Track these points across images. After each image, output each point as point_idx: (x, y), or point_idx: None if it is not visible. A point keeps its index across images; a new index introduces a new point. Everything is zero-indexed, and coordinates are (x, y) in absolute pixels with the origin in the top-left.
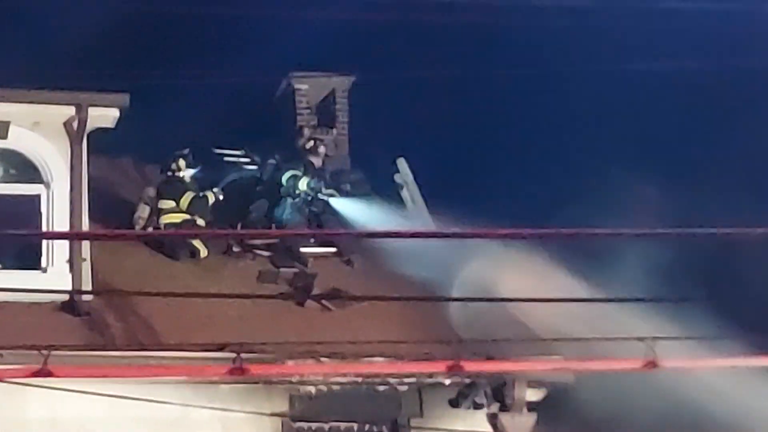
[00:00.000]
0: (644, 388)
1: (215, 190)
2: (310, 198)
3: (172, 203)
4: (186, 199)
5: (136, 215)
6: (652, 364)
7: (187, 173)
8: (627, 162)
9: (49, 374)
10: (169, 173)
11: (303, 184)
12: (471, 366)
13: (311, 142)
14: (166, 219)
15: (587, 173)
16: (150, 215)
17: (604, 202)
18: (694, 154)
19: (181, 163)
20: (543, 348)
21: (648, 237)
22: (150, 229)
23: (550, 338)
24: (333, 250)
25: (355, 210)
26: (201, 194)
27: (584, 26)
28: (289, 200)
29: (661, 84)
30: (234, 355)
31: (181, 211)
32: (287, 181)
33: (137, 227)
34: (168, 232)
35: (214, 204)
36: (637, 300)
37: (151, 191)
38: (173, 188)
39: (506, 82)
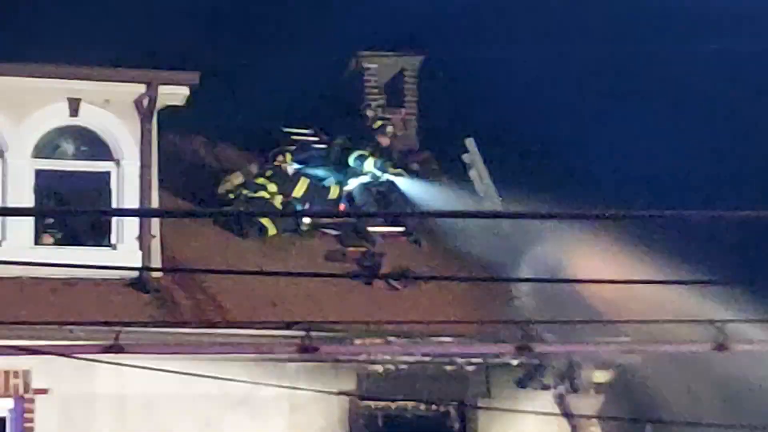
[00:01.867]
0: (712, 371)
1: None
2: (376, 178)
3: (274, 188)
4: (301, 187)
5: (225, 177)
6: (722, 347)
7: (291, 167)
8: (702, 142)
9: (121, 350)
10: (276, 164)
11: (369, 165)
12: (540, 347)
13: (379, 122)
14: (261, 192)
15: (660, 155)
16: (240, 186)
17: (677, 183)
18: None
19: (288, 157)
20: (611, 330)
21: (716, 219)
22: (227, 200)
23: (618, 320)
24: (401, 229)
25: (422, 190)
26: (320, 185)
27: (660, 4)
28: (357, 180)
29: (739, 64)
30: (302, 333)
31: (278, 198)
32: (354, 161)
33: (221, 189)
34: (235, 210)
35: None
36: (707, 282)
37: (253, 168)
38: (281, 178)
39: (578, 61)
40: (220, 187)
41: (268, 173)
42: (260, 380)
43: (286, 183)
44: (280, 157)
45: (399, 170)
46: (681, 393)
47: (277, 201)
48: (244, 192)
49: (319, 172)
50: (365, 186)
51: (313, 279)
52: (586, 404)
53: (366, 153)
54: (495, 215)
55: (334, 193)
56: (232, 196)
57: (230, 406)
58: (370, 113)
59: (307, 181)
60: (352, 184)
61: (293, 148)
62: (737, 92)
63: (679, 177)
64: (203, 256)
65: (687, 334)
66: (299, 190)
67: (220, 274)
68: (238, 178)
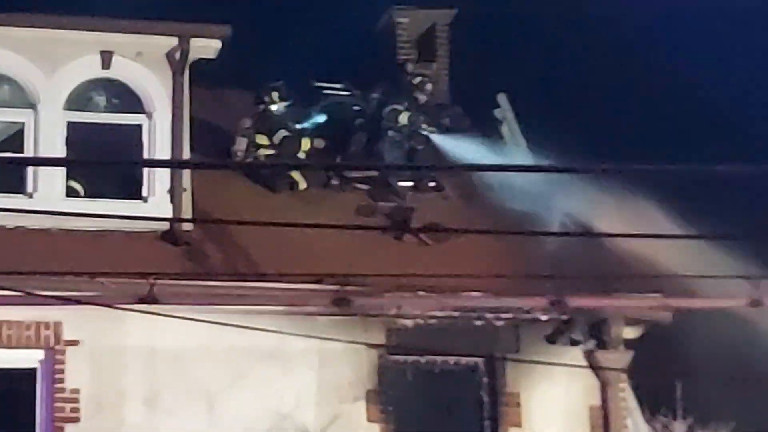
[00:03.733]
0: (744, 328)
1: (309, 133)
2: (410, 133)
3: (265, 139)
4: (278, 137)
5: (234, 148)
6: (756, 303)
7: (279, 106)
8: (734, 99)
9: (155, 301)
10: (262, 106)
11: (404, 118)
12: (573, 301)
13: (418, 78)
14: (263, 152)
15: (693, 111)
16: (248, 148)
17: (709, 139)
18: None
19: (274, 95)
20: (642, 285)
21: (746, 173)
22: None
23: (650, 275)
24: (432, 184)
25: (454, 145)
26: (294, 134)
27: None
28: (389, 134)
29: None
30: (333, 287)
31: (274, 148)
32: (387, 114)
33: (237, 159)
34: (268, 162)
35: (309, 151)
36: (741, 237)
37: (246, 122)
38: (266, 122)
39: (611, 20)
40: (234, 157)
41: (255, 121)
42: (291, 332)
43: (271, 127)
44: (266, 97)
45: (432, 127)
46: (712, 350)
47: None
48: (257, 153)
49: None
50: (395, 141)
51: (343, 233)
52: (616, 360)
53: (400, 107)
54: (526, 169)
55: (305, 145)
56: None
57: (260, 358)
58: (409, 67)
59: (284, 133)
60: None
61: (279, 83)
62: None
63: (707, 128)
64: (234, 210)
65: (720, 290)
66: (275, 140)
67: (251, 227)
68: (242, 143)
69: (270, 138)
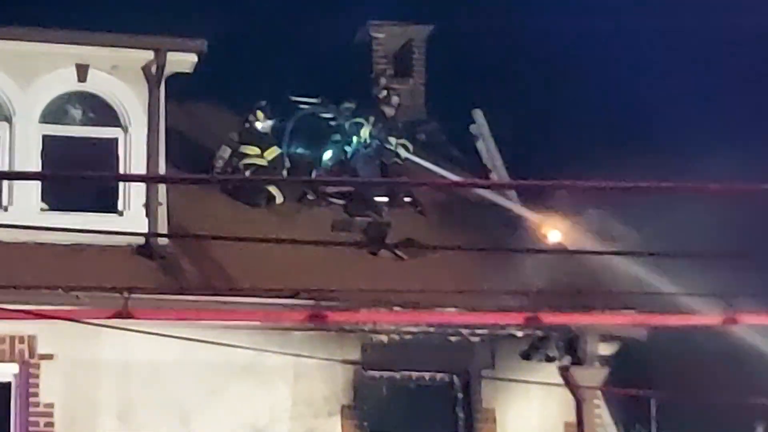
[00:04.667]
0: (719, 345)
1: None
2: (377, 147)
3: (257, 150)
4: (271, 153)
5: (217, 154)
6: (731, 320)
7: (265, 125)
8: (713, 117)
9: (130, 316)
10: (247, 124)
11: (365, 132)
12: (548, 318)
13: (385, 92)
14: (246, 161)
15: (669, 126)
16: (231, 156)
17: (686, 154)
18: None
19: (259, 114)
20: (617, 301)
21: (724, 193)
22: (229, 172)
23: (625, 291)
24: (407, 199)
25: (428, 160)
26: (287, 154)
27: None
28: (362, 149)
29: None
30: (310, 302)
31: (264, 160)
32: (349, 127)
33: (217, 166)
34: (244, 177)
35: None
36: (716, 254)
37: (234, 135)
38: (257, 138)
39: (587, 34)
40: (216, 164)
41: (243, 136)
42: (265, 348)
43: (261, 143)
44: (251, 116)
45: (404, 141)
46: (687, 367)
47: (262, 161)
48: (240, 163)
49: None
50: (367, 156)
51: (319, 248)
52: (591, 376)
53: (363, 121)
54: (501, 185)
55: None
56: (229, 170)
57: (235, 373)
58: (381, 81)
59: (279, 151)
60: (327, 155)
61: (263, 103)
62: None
63: (695, 148)
64: (210, 224)
65: (695, 307)
66: (270, 154)
67: (227, 242)
68: (226, 152)
69: (262, 151)
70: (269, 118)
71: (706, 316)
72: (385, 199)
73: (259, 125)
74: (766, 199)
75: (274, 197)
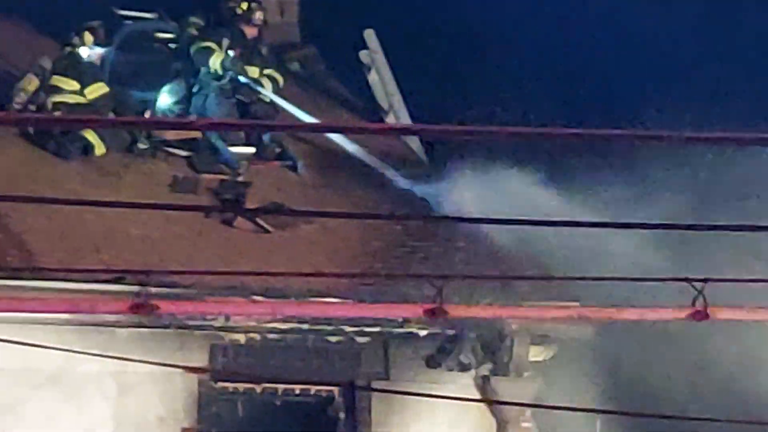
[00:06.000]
0: (686, 344)
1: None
2: (233, 81)
3: (75, 85)
4: (96, 90)
5: (17, 86)
6: (701, 314)
7: (93, 52)
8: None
9: None
10: (69, 48)
11: (215, 62)
12: (459, 311)
13: (245, 5)
14: (57, 98)
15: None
16: (37, 91)
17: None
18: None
19: (87, 37)
20: (554, 291)
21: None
22: (33, 111)
23: (564, 277)
24: (277, 151)
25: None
26: (119, 93)
27: None
28: (213, 83)
29: None
30: (137, 287)
31: (84, 98)
32: (195, 55)
33: (16, 102)
34: (55, 117)
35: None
36: (685, 227)
37: (46, 62)
38: (79, 68)
39: None
40: (15, 99)
41: (59, 65)
42: (78, 350)
43: (86, 76)
44: (76, 39)
45: (270, 71)
46: (643, 375)
47: (81, 99)
48: (48, 100)
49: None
50: (222, 92)
51: (154, 215)
52: (518, 390)
53: (212, 46)
54: (399, 130)
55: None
56: (34, 107)
57: (40, 384)
58: None
59: (107, 90)
60: (163, 100)
61: (95, 24)
62: None
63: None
64: (5, 182)
65: (656, 298)
66: (92, 92)
67: (28, 204)
68: (31, 83)
69: (82, 85)
70: (100, 45)
71: (669, 309)
72: (246, 150)
73: (84, 52)
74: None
75: (92, 146)
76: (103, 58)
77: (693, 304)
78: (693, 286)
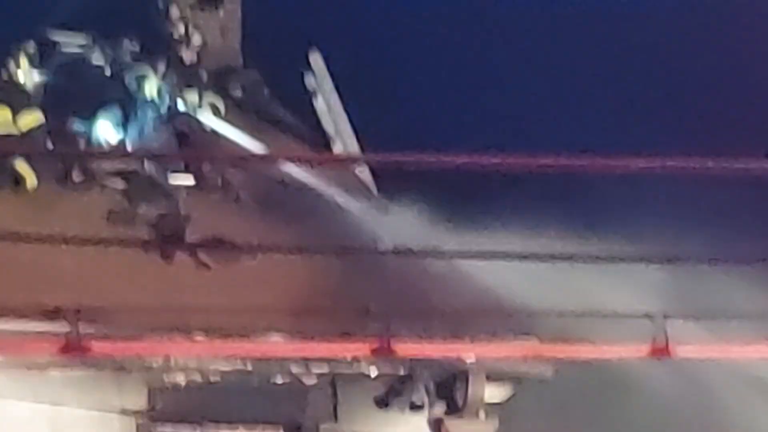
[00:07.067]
0: (647, 384)
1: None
2: (170, 109)
3: (6, 113)
4: (30, 121)
5: None
6: (663, 351)
7: (29, 77)
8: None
9: None
10: (4, 72)
11: (151, 90)
12: (408, 349)
13: (181, 28)
14: None
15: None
16: None
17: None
18: None
19: (22, 61)
20: (511, 326)
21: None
22: None
23: (521, 313)
24: (218, 183)
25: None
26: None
27: None
28: (150, 111)
29: None
30: (69, 327)
31: (15, 127)
32: (130, 82)
33: None
34: None
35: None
36: (644, 260)
37: None
38: (13, 95)
39: None
40: None
41: None
42: (7, 394)
43: (16, 102)
44: (11, 62)
45: (210, 97)
46: (608, 415)
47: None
48: None
49: None
50: (159, 120)
51: (88, 249)
52: (473, 431)
53: (148, 71)
54: (351, 159)
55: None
56: None
57: None
58: (174, 12)
59: (42, 121)
60: (99, 128)
61: (30, 45)
62: None
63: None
64: None
65: (615, 334)
66: (27, 122)
67: None
68: None
69: (14, 114)
70: (37, 68)
71: (630, 346)
72: (186, 179)
73: (20, 76)
74: None
75: (24, 178)
76: (37, 83)
77: (654, 340)
78: (654, 322)
